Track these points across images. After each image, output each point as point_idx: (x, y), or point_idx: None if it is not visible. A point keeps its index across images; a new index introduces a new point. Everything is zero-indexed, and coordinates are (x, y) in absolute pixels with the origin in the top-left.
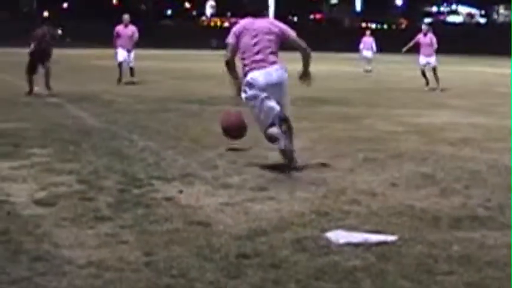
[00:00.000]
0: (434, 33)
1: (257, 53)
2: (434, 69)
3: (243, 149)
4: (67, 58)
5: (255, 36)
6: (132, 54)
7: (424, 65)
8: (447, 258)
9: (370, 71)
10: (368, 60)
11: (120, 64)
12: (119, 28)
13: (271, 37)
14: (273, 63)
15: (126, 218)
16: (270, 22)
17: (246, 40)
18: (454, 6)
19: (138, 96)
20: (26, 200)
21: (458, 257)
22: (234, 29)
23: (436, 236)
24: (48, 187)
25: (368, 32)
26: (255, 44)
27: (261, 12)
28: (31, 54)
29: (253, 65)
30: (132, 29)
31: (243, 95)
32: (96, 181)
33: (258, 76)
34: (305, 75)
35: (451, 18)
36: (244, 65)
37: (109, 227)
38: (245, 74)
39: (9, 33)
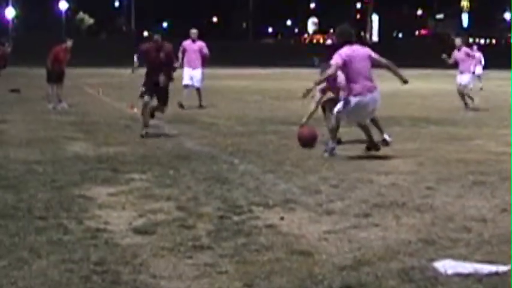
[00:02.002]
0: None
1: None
2: (465, 87)
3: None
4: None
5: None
6: (199, 74)
7: (461, 85)
8: None
9: (481, 88)
10: (477, 77)
11: (185, 86)
12: (186, 43)
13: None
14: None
15: (226, 247)
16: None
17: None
18: None
19: (238, 118)
20: (124, 228)
21: None
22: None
23: None
24: (146, 214)
25: (475, 47)
26: (362, 70)
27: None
28: (146, 74)
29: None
30: (200, 44)
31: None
32: (195, 208)
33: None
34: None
35: None
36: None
37: (208, 256)
38: (349, 94)
39: (107, 54)
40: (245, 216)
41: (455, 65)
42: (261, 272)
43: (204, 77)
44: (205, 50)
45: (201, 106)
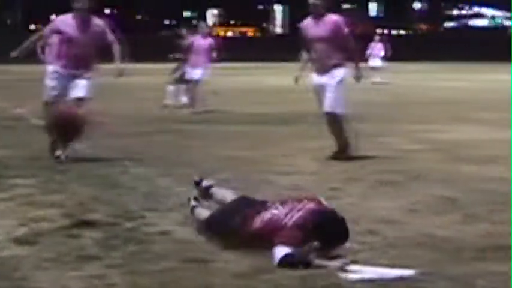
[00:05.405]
0: None
1: None
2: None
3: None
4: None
5: None
6: None
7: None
8: None
9: (380, 83)
10: (376, 70)
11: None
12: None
13: None
14: None
15: (115, 257)
16: None
17: None
18: (476, 9)
19: (131, 117)
20: (3, 238)
21: None
22: None
23: (458, 269)
24: (28, 223)
25: (377, 37)
26: None
27: None
28: None
29: None
30: None
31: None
32: (82, 214)
33: None
34: None
35: (475, 22)
36: None
37: (95, 267)
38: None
39: None
40: (137, 222)
41: None
42: (152, 283)
43: None
44: None
45: None
